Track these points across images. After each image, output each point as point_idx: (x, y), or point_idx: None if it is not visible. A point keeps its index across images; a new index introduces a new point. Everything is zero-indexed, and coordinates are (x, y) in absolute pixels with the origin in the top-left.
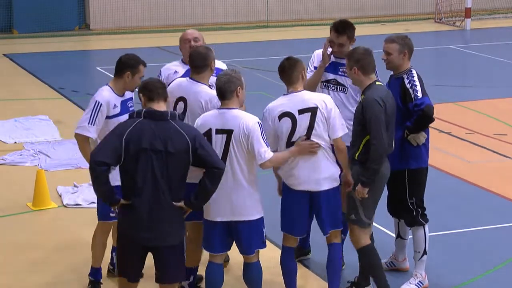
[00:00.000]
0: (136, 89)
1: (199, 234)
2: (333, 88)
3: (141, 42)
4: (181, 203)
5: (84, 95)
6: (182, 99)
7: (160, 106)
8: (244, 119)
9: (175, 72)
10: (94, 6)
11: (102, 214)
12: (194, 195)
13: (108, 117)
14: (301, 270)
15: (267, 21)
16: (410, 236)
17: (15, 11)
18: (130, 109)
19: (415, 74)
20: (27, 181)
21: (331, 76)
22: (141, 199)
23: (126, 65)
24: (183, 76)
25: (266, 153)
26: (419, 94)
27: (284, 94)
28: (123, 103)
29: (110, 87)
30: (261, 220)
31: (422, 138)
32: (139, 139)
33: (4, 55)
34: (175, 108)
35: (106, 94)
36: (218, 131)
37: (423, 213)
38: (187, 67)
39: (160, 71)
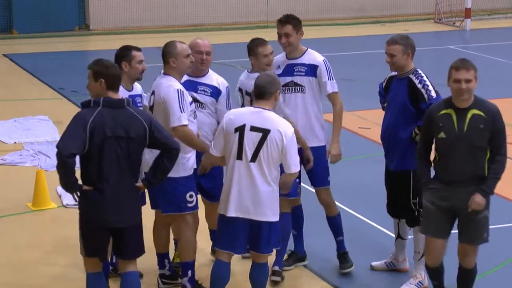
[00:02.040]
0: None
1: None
2: (291, 90)
3: (141, 42)
4: (140, 183)
5: (84, 95)
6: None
7: (117, 95)
8: (282, 126)
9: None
10: (94, 6)
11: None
12: (151, 175)
13: None
14: (300, 271)
15: (267, 21)
16: (410, 236)
17: (15, 11)
18: (138, 105)
19: (423, 74)
20: (27, 181)
21: (288, 78)
22: (108, 184)
23: (119, 57)
24: (185, 86)
25: (296, 167)
26: (433, 94)
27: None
28: (131, 98)
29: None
30: (278, 221)
31: None
32: (102, 127)
33: (4, 55)
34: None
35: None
36: (253, 128)
37: None
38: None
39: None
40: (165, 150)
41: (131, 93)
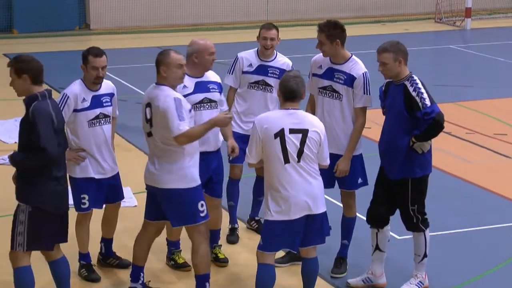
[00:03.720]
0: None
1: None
2: (329, 94)
3: (141, 42)
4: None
5: None
6: (148, 105)
7: (42, 88)
8: (317, 123)
9: (184, 86)
10: (94, 6)
11: (76, 205)
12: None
13: (76, 110)
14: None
15: (267, 21)
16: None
17: (15, 11)
18: (105, 104)
19: (418, 81)
20: None
21: (326, 82)
22: (63, 171)
23: (82, 58)
24: (194, 91)
25: (328, 160)
26: (428, 102)
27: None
28: (95, 98)
29: (82, 81)
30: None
31: (427, 145)
32: (58, 116)
33: (4, 55)
34: (144, 116)
35: (75, 88)
36: (292, 131)
37: (424, 219)
38: (195, 80)
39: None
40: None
41: (96, 93)
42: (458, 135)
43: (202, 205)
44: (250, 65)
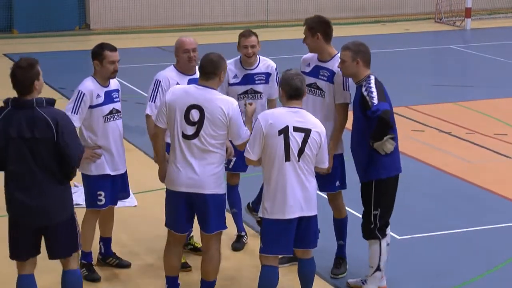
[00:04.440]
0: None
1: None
2: (313, 92)
3: (141, 42)
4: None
5: None
6: (195, 106)
7: (33, 95)
8: (319, 125)
9: (177, 84)
10: (94, 6)
11: (90, 202)
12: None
13: (91, 107)
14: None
15: (267, 21)
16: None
17: (15, 11)
18: (115, 100)
19: (372, 81)
20: None
21: (311, 79)
22: (25, 185)
23: (92, 55)
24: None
25: (327, 162)
26: (375, 101)
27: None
28: (107, 94)
29: (94, 78)
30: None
31: (390, 146)
32: (6, 128)
33: (4, 55)
34: (187, 117)
35: (89, 84)
36: (296, 129)
37: (382, 227)
38: (187, 77)
39: (159, 80)
40: (63, 161)
41: (107, 88)
42: (458, 135)
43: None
44: (235, 76)
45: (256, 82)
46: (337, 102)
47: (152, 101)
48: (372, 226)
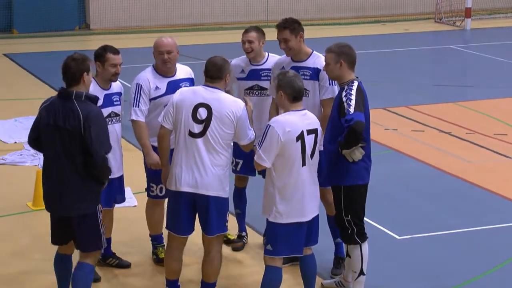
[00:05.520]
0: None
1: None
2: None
3: (141, 42)
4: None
5: None
6: (203, 105)
7: (79, 88)
8: (318, 120)
9: (157, 87)
10: (94, 6)
11: (105, 201)
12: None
13: None
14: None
15: (267, 21)
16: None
17: (15, 11)
18: (115, 103)
19: (354, 87)
20: (27, 181)
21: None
22: (49, 172)
23: (95, 57)
24: (166, 92)
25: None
26: (351, 109)
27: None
28: (107, 97)
29: (94, 80)
30: None
31: (358, 154)
32: (48, 114)
33: (4, 55)
34: (194, 115)
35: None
36: (308, 132)
37: (360, 232)
38: (167, 79)
39: (140, 84)
40: (89, 155)
41: (108, 91)
42: (458, 135)
43: (227, 215)
44: (242, 71)
45: (262, 78)
46: (324, 98)
47: (136, 106)
48: (349, 232)
